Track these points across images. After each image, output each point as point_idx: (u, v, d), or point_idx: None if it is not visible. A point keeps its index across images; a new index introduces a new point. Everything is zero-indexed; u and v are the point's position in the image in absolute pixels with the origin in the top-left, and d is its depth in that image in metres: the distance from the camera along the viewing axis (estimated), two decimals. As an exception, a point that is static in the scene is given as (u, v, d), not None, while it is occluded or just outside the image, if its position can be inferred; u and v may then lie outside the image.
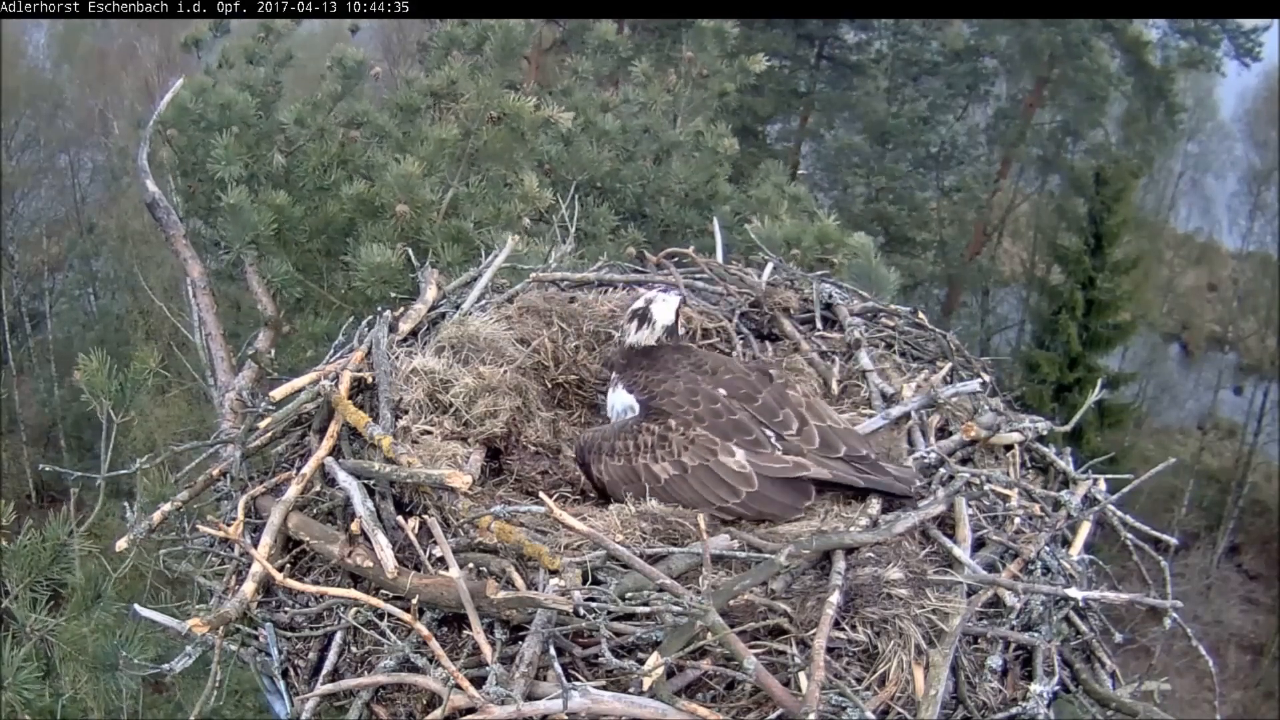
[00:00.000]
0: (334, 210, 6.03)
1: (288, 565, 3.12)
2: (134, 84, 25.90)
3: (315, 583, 2.99)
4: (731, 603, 2.68)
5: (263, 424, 3.49)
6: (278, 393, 3.50)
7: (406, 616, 2.62)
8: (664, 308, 3.55)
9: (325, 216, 6.09)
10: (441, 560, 2.83)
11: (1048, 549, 3.17)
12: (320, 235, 6.17)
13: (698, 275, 4.37)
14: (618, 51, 7.61)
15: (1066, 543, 3.29)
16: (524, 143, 6.12)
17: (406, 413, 3.41)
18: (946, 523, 3.11)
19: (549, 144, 6.63)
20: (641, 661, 2.56)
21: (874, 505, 3.08)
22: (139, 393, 4.42)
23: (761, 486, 3.06)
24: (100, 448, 4.54)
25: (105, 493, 4.32)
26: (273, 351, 5.28)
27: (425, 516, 2.98)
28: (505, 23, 6.22)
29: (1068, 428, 3.87)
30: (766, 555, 2.80)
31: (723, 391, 3.27)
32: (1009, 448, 3.57)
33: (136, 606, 3.18)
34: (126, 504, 3.93)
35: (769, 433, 3.19)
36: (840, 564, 2.80)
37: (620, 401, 3.46)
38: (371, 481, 3.08)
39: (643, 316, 3.54)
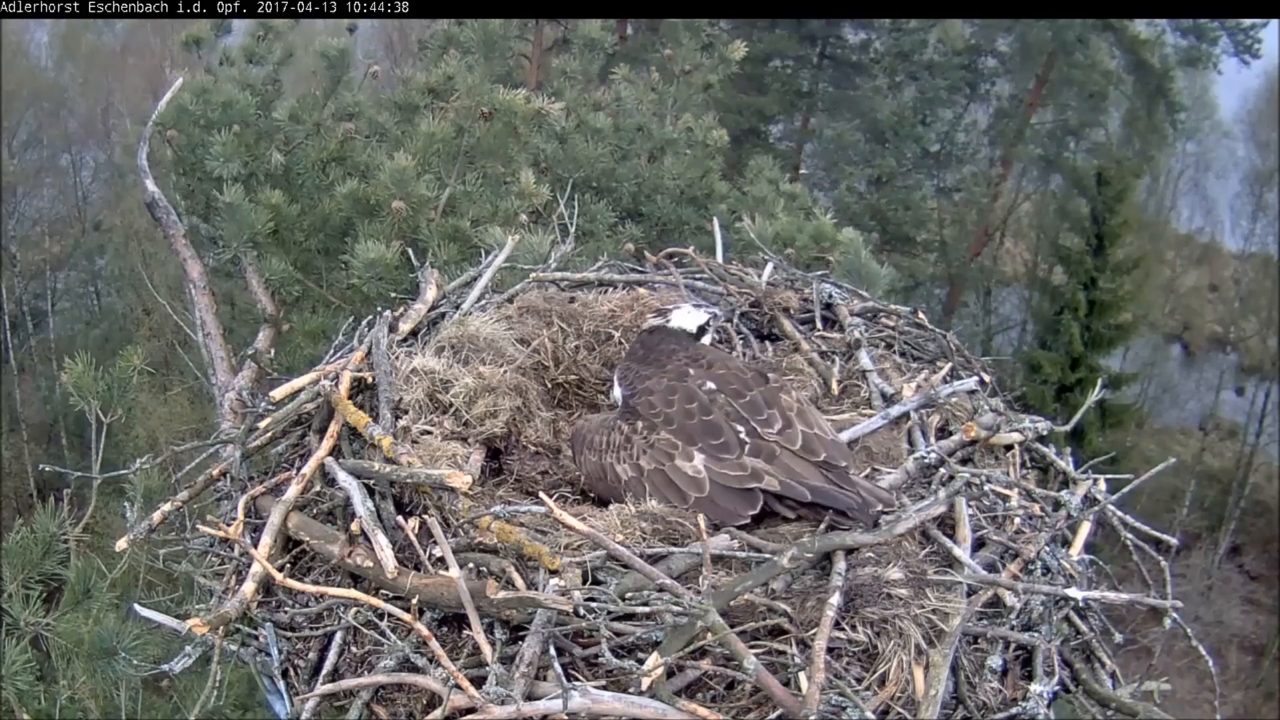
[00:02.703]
0: (331, 208, 6.03)
1: (288, 565, 3.12)
2: (141, 80, 25.86)
3: (315, 583, 2.99)
4: (731, 603, 2.68)
5: (263, 424, 3.50)
6: (278, 393, 3.50)
7: (406, 616, 2.61)
8: (686, 316, 3.60)
9: (323, 214, 6.09)
10: (441, 560, 2.83)
11: (1048, 549, 3.16)
12: (318, 233, 6.16)
13: (698, 275, 4.37)
14: (604, 48, 7.60)
15: (1067, 543, 3.29)
16: (519, 138, 6.11)
17: (406, 413, 3.41)
18: (946, 523, 3.11)
19: (544, 141, 6.63)
20: (641, 661, 2.56)
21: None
22: (127, 391, 4.42)
23: (711, 492, 3.05)
24: (101, 447, 4.54)
25: (99, 492, 4.32)
26: (272, 351, 5.29)
27: (425, 516, 2.97)
28: (486, 21, 6.25)
29: (1068, 428, 3.87)
30: (767, 556, 2.80)
31: (712, 385, 3.24)
32: (1009, 448, 3.58)
33: (135, 605, 3.18)
34: (127, 504, 3.93)
35: (740, 429, 3.13)
36: (840, 564, 2.80)
37: (616, 393, 3.52)
38: (371, 481, 3.07)
39: (661, 315, 3.62)
